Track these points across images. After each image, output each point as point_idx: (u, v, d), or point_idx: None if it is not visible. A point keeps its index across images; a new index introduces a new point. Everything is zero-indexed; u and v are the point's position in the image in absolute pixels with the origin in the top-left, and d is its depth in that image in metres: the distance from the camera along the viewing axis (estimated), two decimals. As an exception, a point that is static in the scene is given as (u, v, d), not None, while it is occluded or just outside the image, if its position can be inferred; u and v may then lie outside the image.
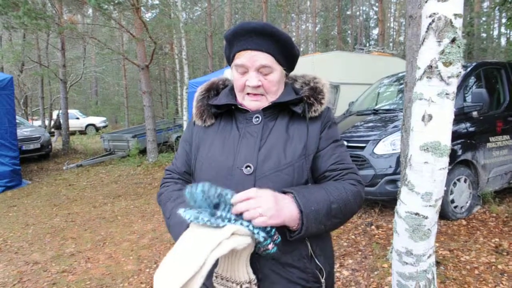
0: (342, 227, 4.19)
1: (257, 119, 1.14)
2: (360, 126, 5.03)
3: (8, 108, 7.56)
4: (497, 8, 10.97)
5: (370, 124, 4.96)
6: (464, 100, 4.58)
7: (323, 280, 1.13)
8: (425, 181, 1.29)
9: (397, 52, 13.37)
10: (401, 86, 5.39)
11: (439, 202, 1.33)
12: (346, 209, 1.06)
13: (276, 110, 1.16)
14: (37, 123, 17.91)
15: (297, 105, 1.14)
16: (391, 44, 29.92)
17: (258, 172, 1.06)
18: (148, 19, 14.86)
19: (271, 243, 0.94)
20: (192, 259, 0.84)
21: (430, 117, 1.23)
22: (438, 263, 3.18)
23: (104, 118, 24.34)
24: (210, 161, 1.14)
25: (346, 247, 3.76)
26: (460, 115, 4.44)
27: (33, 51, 15.80)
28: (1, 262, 3.84)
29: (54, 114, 18.65)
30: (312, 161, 1.12)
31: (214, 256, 0.85)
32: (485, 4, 20.27)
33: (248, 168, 1.07)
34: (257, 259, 1.02)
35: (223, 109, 1.19)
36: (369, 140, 4.47)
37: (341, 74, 7.64)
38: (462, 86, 4.60)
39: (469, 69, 4.78)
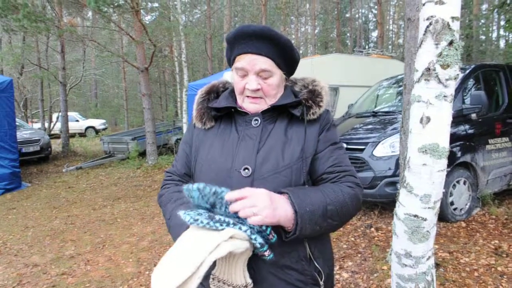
0: (341, 229, 4.19)
1: (256, 121, 1.14)
2: (359, 128, 5.04)
3: (8, 110, 7.56)
4: (495, 10, 11.00)
5: (369, 126, 4.97)
6: (463, 102, 4.59)
7: (322, 283, 1.13)
8: (424, 183, 1.29)
9: (396, 55, 13.40)
10: (400, 88, 5.41)
11: (438, 204, 1.33)
12: (343, 211, 1.05)
13: (275, 113, 1.16)
14: (37, 125, 17.89)
15: (295, 108, 1.14)
16: (390, 47, 30.00)
17: (256, 174, 1.07)
18: (147, 22, 14.90)
19: (267, 249, 0.94)
20: (190, 259, 0.85)
21: (428, 119, 1.23)
22: (437, 265, 3.19)
23: (103, 121, 24.34)
24: (209, 163, 1.14)
25: (345, 249, 3.76)
26: (459, 117, 4.46)
27: (32, 53, 15.81)
28: (1, 264, 3.84)
29: (54, 117, 18.66)
30: (310, 164, 1.12)
31: (212, 257, 0.85)
32: (484, 7, 20.34)
33: (246, 171, 1.07)
34: (255, 261, 1.02)
35: (223, 112, 1.19)
36: (368, 142, 4.48)
37: (340, 77, 7.65)
38: (461, 89, 4.61)
39: (468, 71, 4.79)
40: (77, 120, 22.59)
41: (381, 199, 4.37)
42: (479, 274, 3.07)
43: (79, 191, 7.34)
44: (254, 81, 1.10)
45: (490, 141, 4.68)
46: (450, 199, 4.30)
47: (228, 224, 0.92)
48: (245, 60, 1.10)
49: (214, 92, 1.28)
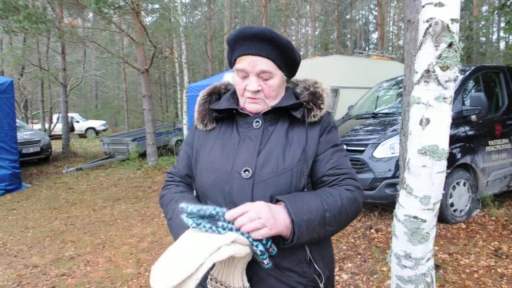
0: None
1: (257, 123, 1.15)
2: (359, 129, 5.05)
3: (8, 111, 7.57)
4: (495, 12, 11.02)
5: (369, 128, 4.97)
6: (463, 104, 4.59)
7: (321, 285, 1.13)
8: (423, 184, 1.29)
9: (396, 56, 13.41)
10: (400, 90, 5.41)
11: (438, 206, 1.33)
12: (341, 217, 1.05)
13: (277, 114, 1.16)
14: (37, 126, 17.90)
15: (296, 110, 1.14)
16: (390, 48, 30.03)
17: (256, 176, 1.07)
18: (148, 23, 14.90)
19: (267, 258, 0.95)
20: (189, 259, 0.85)
21: (428, 121, 1.23)
22: (437, 267, 3.19)
23: (104, 122, 24.36)
24: (210, 165, 1.15)
25: (345, 250, 3.76)
26: (459, 119, 4.46)
27: (33, 54, 15.84)
28: (1, 265, 3.84)
29: (54, 118, 18.68)
30: (311, 166, 1.12)
31: (212, 260, 0.85)
32: (484, 8, 20.36)
33: (247, 172, 1.07)
34: (255, 262, 1.03)
35: (224, 113, 1.20)
36: (368, 144, 4.49)
37: (340, 78, 7.66)
38: (461, 90, 4.61)
39: (468, 73, 4.80)
40: (78, 121, 22.61)
41: (381, 201, 4.37)
42: (479, 275, 3.07)
43: (79, 192, 7.34)
44: (254, 82, 1.10)
45: (490, 142, 4.69)
46: (450, 201, 4.30)
47: (230, 230, 0.93)
48: (246, 62, 1.10)
49: (215, 94, 1.28)
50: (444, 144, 1.24)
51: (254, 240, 0.92)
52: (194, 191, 1.21)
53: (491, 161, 4.69)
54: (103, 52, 11.98)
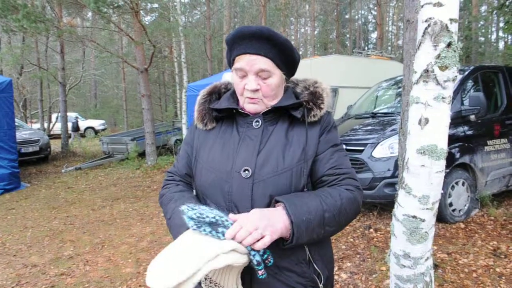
0: (340, 230, 4.19)
1: (257, 123, 1.14)
2: (359, 129, 5.05)
3: (7, 111, 7.57)
4: (494, 12, 11.03)
5: (369, 128, 4.97)
6: (462, 104, 4.60)
7: (321, 285, 1.13)
8: (422, 184, 1.30)
9: (395, 56, 13.42)
10: (399, 90, 5.42)
11: (436, 205, 1.34)
12: (340, 217, 1.05)
13: (277, 114, 1.16)
14: (36, 126, 17.89)
15: (296, 110, 1.14)
16: (389, 48, 30.04)
17: (256, 176, 1.07)
18: (147, 23, 14.89)
19: (262, 269, 0.95)
20: (188, 263, 0.85)
21: (427, 120, 1.24)
22: (436, 266, 3.19)
23: (103, 121, 24.34)
24: (210, 164, 1.14)
25: (344, 250, 3.77)
26: (458, 119, 4.47)
27: (32, 54, 15.81)
28: (0, 264, 3.83)
29: (53, 117, 18.67)
30: (311, 165, 1.11)
31: (209, 267, 0.85)
32: (483, 8, 20.38)
33: (246, 172, 1.07)
34: None
35: (224, 113, 1.19)
36: (367, 143, 4.49)
37: (339, 78, 7.66)
38: (460, 90, 4.62)
39: (466, 72, 4.80)
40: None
41: (380, 200, 4.38)
42: (478, 275, 3.08)
43: (78, 191, 7.34)
44: (253, 81, 1.10)
45: (489, 142, 4.70)
46: (448, 200, 4.31)
47: None
48: (244, 61, 1.10)
49: (215, 93, 1.28)
50: (443, 144, 1.25)
51: (252, 249, 0.92)
52: (194, 190, 1.21)
53: (490, 161, 4.69)
54: (102, 51, 11.96)
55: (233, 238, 0.91)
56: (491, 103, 4.95)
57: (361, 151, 4.48)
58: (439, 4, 1.18)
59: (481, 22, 19.66)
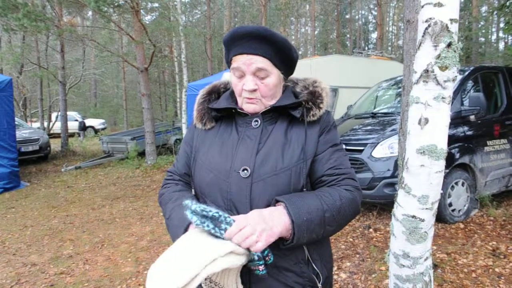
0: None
1: (256, 122, 1.14)
2: (359, 129, 5.05)
3: (7, 109, 7.56)
4: (495, 12, 11.04)
5: (368, 128, 4.98)
6: (462, 104, 4.60)
7: (319, 285, 1.13)
8: (422, 184, 1.30)
9: (395, 56, 13.43)
10: (399, 90, 5.42)
11: (436, 205, 1.34)
12: (340, 217, 1.05)
13: (276, 114, 1.16)
14: (36, 125, 17.89)
15: (296, 109, 1.14)
16: (389, 48, 30.03)
17: (255, 176, 1.07)
18: (147, 22, 14.88)
19: (263, 264, 0.95)
20: (185, 269, 0.85)
21: (427, 120, 1.24)
22: (435, 266, 3.20)
23: (103, 120, 24.33)
24: (209, 164, 1.14)
25: (344, 249, 3.77)
26: (458, 119, 4.47)
27: (32, 53, 15.81)
28: (-1, 263, 3.84)
29: (53, 116, 18.67)
30: (311, 165, 1.11)
31: (207, 271, 0.86)
32: (484, 9, 20.38)
33: (245, 171, 1.07)
34: None
35: (223, 112, 1.19)
36: (367, 143, 4.49)
37: (339, 78, 7.67)
38: (460, 90, 4.62)
39: (466, 73, 4.80)
40: (76, 120, 22.58)
41: (380, 200, 4.38)
42: (477, 275, 3.08)
43: (78, 190, 7.34)
44: (251, 81, 1.10)
45: (489, 142, 4.70)
46: (448, 201, 4.31)
47: None
48: (241, 61, 1.09)
49: (215, 93, 1.28)
50: (442, 144, 1.25)
51: None
52: (193, 190, 1.21)
53: (489, 161, 4.70)
54: (102, 50, 11.97)
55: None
56: (491, 104, 4.95)
57: (361, 151, 4.48)
58: (440, 5, 1.18)
59: (482, 23, 19.65)
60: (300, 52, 29.39)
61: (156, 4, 13.22)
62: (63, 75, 12.84)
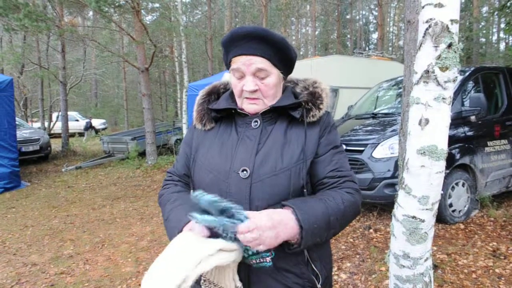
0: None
1: (256, 123, 1.14)
2: (359, 129, 5.05)
3: (8, 109, 7.57)
4: (495, 13, 11.03)
5: (369, 128, 4.97)
6: (463, 105, 4.60)
7: (319, 286, 1.13)
8: (422, 184, 1.30)
9: (396, 56, 13.42)
10: (399, 90, 5.42)
11: (436, 206, 1.34)
12: (343, 220, 1.07)
13: (275, 114, 1.16)
14: (37, 125, 17.91)
15: (295, 110, 1.14)
16: (390, 49, 30.02)
17: (254, 176, 1.07)
18: (148, 22, 14.90)
19: (269, 256, 0.95)
20: (176, 272, 0.85)
21: (427, 121, 1.24)
22: (435, 267, 3.19)
23: (103, 120, 24.38)
24: (208, 164, 1.14)
25: (344, 250, 3.77)
26: (458, 119, 4.46)
27: (33, 53, 15.83)
28: (0, 263, 3.84)
29: (54, 116, 18.70)
30: (311, 167, 1.11)
31: (197, 271, 0.87)
32: (484, 9, 20.38)
33: (245, 172, 1.07)
34: None
35: (223, 113, 1.19)
36: (367, 144, 4.49)
37: (340, 78, 7.67)
38: (461, 91, 4.62)
39: (467, 73, 4.80)
40: (77, 120, 22.60)
41: (380, 201, 4.38)
42: (477, 276, 3.08)
43: (78, 190, 7.34)
44: (251, 82, 1.10)
45: (489, 143, 4.69)
46: (448, 201, 4.30)
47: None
48: (241, 61, 1.09)
49: (214, 94, 1.28)
50: (443, 145, 1.25)
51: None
52: (191, 191, 1.21)
53: (490, 161, 4.69)
54: (103, 50, 11.98)
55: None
56: (491, 104, 4.95)
57: (361, 151, 4.48)
58: (440, 5, 1.18)
59: (482, 23, 19.65)
60: (300, 53, 29.40)
61: (157, 4, 13.22)
62: (64, 75, 12.85)
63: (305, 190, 1.09)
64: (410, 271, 1.40)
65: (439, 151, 1.24)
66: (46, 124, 17.84)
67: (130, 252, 4.01)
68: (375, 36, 31.52)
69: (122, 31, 10.53)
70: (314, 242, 1.01)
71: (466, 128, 4.53)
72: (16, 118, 8.70)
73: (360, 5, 30.93)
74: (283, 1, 18.62)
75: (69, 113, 15.40)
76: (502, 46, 23.22)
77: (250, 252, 1.02)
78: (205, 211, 0.96)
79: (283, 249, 1.01)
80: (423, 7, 1.23)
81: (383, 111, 5.41)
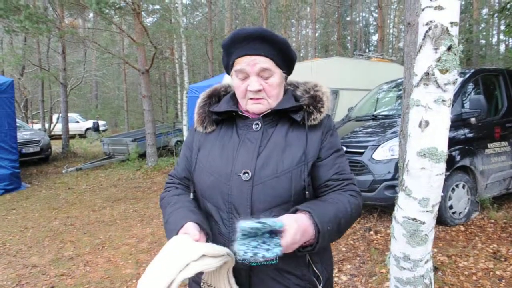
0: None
1: (257, 125, 1.14)
2: (359, 131, 5.05)
3: (8, 111, 7.58)
4: (495, 15, 11.05)
5: (369, 130, 4.98)
6: (463, 107, 4.60)
7: (320, 287, 1.14)
8: (422, 186, 1.30)
9: (396, 58, 13.43)
10: (399, 92, 5.42)
11: (436, 208, 1.34)
12: (350, 223, 1.10)
13: (276, 117, 1.16)
14: (37, 126, 17.92)
15: (296, 113, 1.14)
16: (390, 50, 30.04)
17: (256, 178, 1.07)
18: (148, 24, 14.93)
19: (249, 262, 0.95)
20: (162, 277, 0.87)
21: (427, 123, 1.24)
22: (436, 269, 3.19)
23: (104, 122, 24.34)
24: (209, 167, 1.14)
25: (344, 252, 3.76)
26: (458, 121, 4.47)
27: (34, 54, 15.85)
28: (0, 265, 3.84)
29: (54, 118, 18.71)
30: (314, 170, 1.12)
31: (181, 277, 0.87)
32: (484, 11, 20.40)
33: (246, 174, 1.07)
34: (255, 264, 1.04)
35: (224, 115, 1.20)
36: (367, 146, 4.49)
37: (340, 80, 7.67)
38: (461, 93, 4.62)
39: (467, 75, 4.81)
40: (77, 121, 22.61)
41: (380, 203, 4.38)
42: (478, 278, 3.08)
43: (78, 192, 7.34)
44: (255, 82, 1.10)
45: (489, 145, 4.69)
46: (449, 203, 4.30)
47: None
48: (245, 62, 1.10)
49: (215, 96, 1.28)
50: (443, 147, 1.25)
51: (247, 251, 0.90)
52: (191, 194, 1.21)
53: (490, 163, 4.69)
54: (104, 52, 12.01)
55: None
56: (491, 106, 4.95)
57: (362, 153, 4.48)
58: (440, 8, 1.19)
59: (482, 25, 19.66)
60: (301, 54, 29.43)
61: (157, 6, 13.26)
62: (64, 76, 12.87)
63: (307, 192, 1.09)
64: (411, 273, 1.40)
65: (439, 153, 1.25)
66: (47, 125, 17.83)
67: (131, 254, 4.00)
68: (375, 38, 31.54)
69: (122, 33, 10.56)
70: (325, 245, 1.04)
71: (466, 130, 4.53)
72: (17, 120, 8.71)
73: (360, 7, 30.98)
74: (283, 3, 18.65)
75: (69, 114, 15.40)
76: (502, 48, 23.24)
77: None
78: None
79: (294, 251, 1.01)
80: (423, 10, 1.24)
81: (383, 113, 5.41)
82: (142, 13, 10.84)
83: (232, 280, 1.04)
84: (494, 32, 23.80)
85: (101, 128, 22.71)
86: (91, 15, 16.58)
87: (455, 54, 1.19)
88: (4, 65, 14.97)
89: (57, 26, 9.45)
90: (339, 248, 3.85)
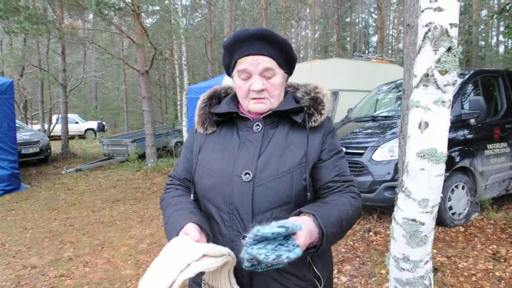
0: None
1: (258, 127, 1.15)
2: (359, 132, 5.06)
3: (8, 112, 7.58)
4: (495, 16, 11.06)
5: (369, 131, 4.98)
6: (462, 108, 4.61)
7: None
8: (422, 187, 1.30)
9: (395, 59, 13.44)
10: (399, 93, 5.42)
11: (436, 209, 1.34)
12: (351, 224, 1.11)
13: (277, 118, 1.17)
14: (37, 127, 17.91)
15: (297, 115, 1.15)
16: (390, 51, 30.06)
17: (256, 180, 1.07)
18: (148, 25, 14.93)
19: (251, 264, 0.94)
20: (163, 277, 0.87)
21: (427, 124, 1.24)
22: (435, 270, 3.19)
23: (104, 123, 24.33)
24: (210, 168, 1.15)
25: (344, 253, 3.76)
26: (458, 123, 4.47)
27: (33, 55, 15.84)
28: (-1, 266, 3.84)
29: (54, 119, 18.71)
30: (315, 171, 1.13)
31: (182, 277, 0.87)
32: (483, 13, 20.43)
33: (247, 175, 1.08)
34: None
35: (224, 117, 1.20)
36: (367, 147, 4.49)
37: (339, 81, 7.67)
38: (460, 94, 4.63)
39: (466, 77, 4.81)
40: (77, 122, 22.61)
41: (380, 203, 4.38)
42: (477, 278, 3.08)
43: (78, 193, 7.33)
44: (258, 81, 1.11)
45: (489, 146, 4.70)
46: (448, 204, 4.31)
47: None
48: (248, 62, 1.10)
49: (216, 97, 1.28)
50: (442, 148, 1.25)
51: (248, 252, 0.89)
52: (192, 195, 1.21)
53: (489, 164, 4.70)
54: (103, 53, 12.00)
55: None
56: (491, 107, 4.96)
57: (361, 154, 4.48)
58: (439, 9, 1.19)
59: (482, 26, 19.69)
60: (300, 55, 29.46)
61: (157, 7, 13.26)
62: (64, 77, 12.87)
63: (308, 194, 1.10)
64: (410, 274, 1.40)
65: (438, 154, 1.25)
66: (46, 126, 17.83)
67: (130, 255, 4.00)
68: (374, 39, 31.56)
69: (122, 33, 10.56)
70: (328, 246, 1.05)
71: (466, 131, 4.54)
72: (16, 120, 8.71)
73: (359, 8, 31.00)
74: (283, 4, 18.69)
75: (69, 115, 15.41)
76: (501, 49, 23.29)
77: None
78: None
79: None
80: (422, 11, 1.24)
81: (382, 114, 5.42)
82: (142, 14, 10.85)
83: (233, 280, 1.04)
84: (494, 33, 23.84)
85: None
86: (91, 16, 16.58)
87: (454, 56, 1.20)
88: (4, 66, 14.97)
89: (56, 27, 9.45)
90: (338, 249, 3.85)
